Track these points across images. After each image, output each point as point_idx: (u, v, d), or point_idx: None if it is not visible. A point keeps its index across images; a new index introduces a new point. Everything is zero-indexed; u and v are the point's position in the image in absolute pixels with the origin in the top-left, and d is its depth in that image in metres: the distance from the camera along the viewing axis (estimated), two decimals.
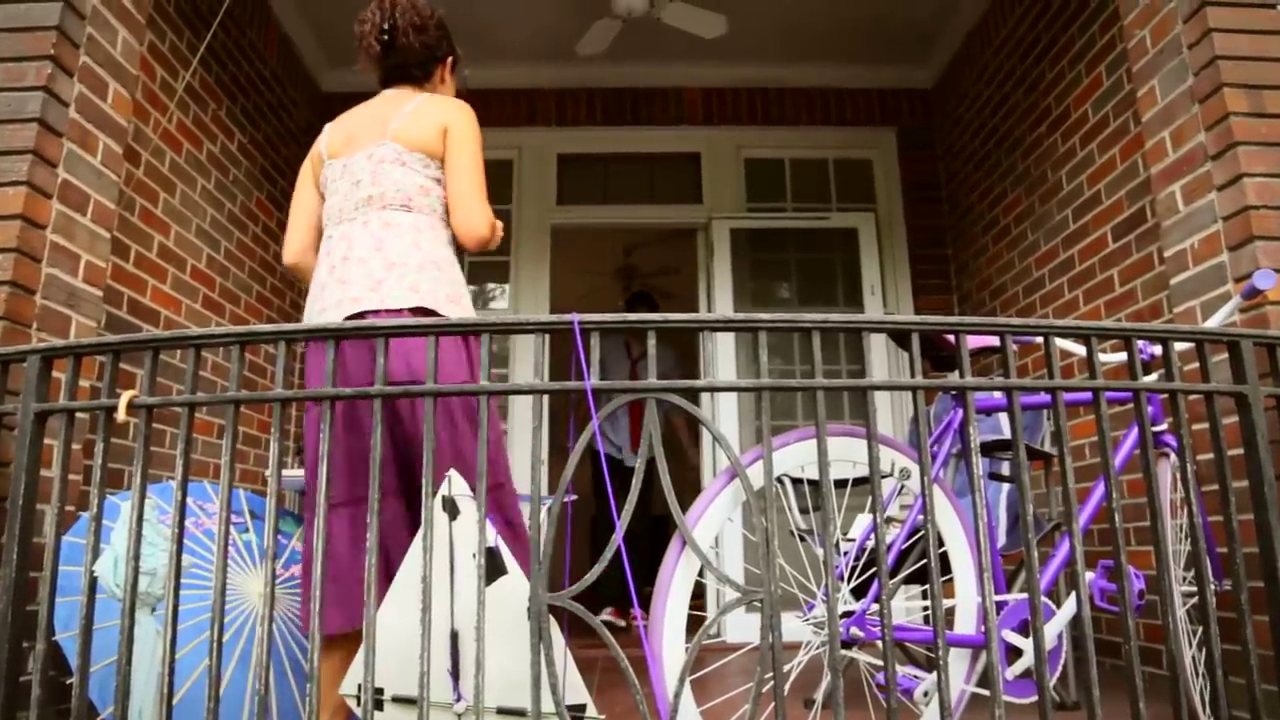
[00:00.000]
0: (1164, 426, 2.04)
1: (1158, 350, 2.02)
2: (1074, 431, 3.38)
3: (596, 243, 6.61)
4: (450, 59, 2.19)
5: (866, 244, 4.68)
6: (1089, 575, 1.83)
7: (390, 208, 1.93)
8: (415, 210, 1.94)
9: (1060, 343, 2.22)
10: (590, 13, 4.02)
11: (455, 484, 1.48)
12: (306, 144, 4.41)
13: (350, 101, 2.17)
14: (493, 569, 1.35)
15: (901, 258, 4.67)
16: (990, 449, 2.44)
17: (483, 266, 4.81)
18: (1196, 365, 2.13)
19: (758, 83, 4.83)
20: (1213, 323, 1.94)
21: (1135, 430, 1.96)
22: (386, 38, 2.04)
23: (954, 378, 2.01)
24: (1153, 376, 2.15)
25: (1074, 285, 3.34)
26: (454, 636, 1.37)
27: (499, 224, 2.00)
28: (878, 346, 4.42)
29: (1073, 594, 1.81)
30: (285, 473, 2.39)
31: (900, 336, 1.60)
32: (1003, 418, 2.90)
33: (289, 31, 4.19)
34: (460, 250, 2.02)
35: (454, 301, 1.90)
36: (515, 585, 1.36)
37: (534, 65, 4.73)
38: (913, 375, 1.51)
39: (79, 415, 1.96)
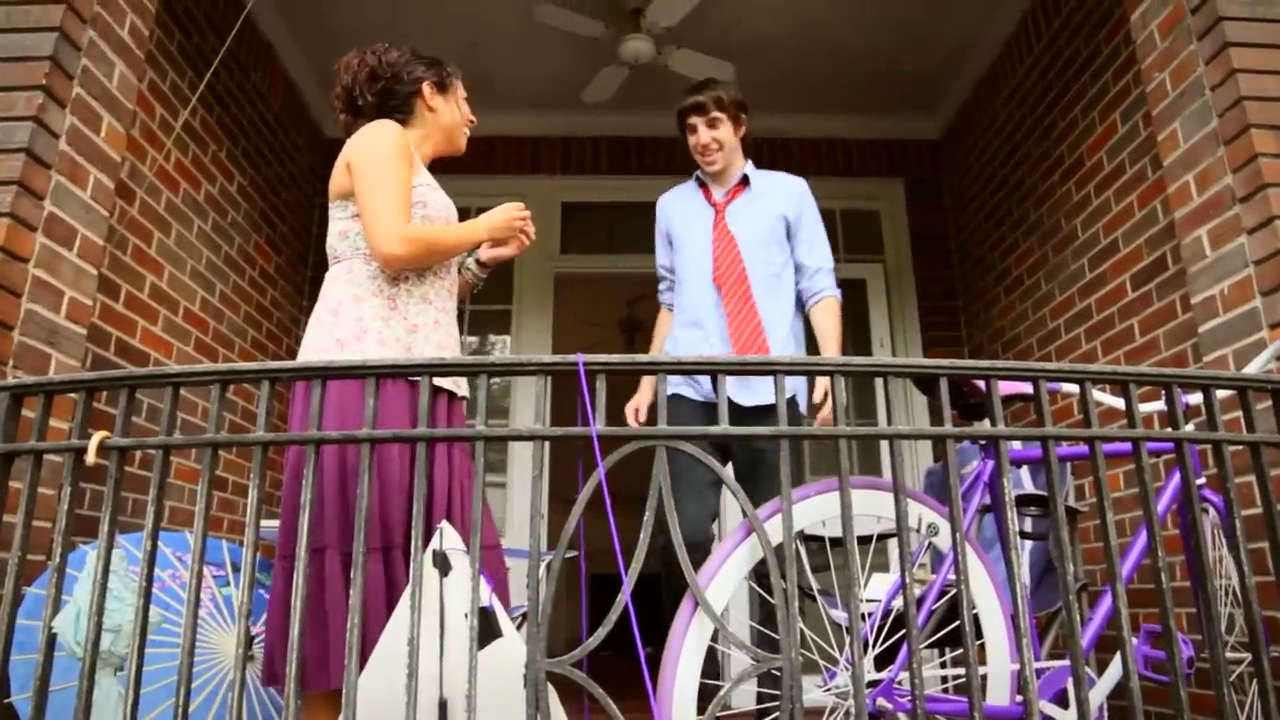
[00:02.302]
0: (1201, 480, 1.93)
1: (1192, 399, 1.93)
2: (1093, 488, 3.26)
3: (600, 294, 6.55)
4: (426, 84, 2.10)
5: (875, 295, 4.61)
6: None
7: (330, 265, 1.99)
8: (337, 259, 1.97)
9: (1069, 386, 2.13)
10: (597, 60, 4.01)
11: (447, 537, 1.37)
12: (308, 188, 4.42)
13: None
14: (486, 631, 1.24)
15: (910, 310, 4.60)
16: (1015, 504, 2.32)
17: (483, 316, 4.74)
18: (1233, 415, 2.04)
19: (764, 132, 4.79)
20: (1250, 370, 1.84)
21: (1172, 484, 1.85)
22: (354, 99, 2.07)
23: (983, 426, 1.91)
24: (1188, 426, 2.05)
25: (1091, 336, 3.25)
26: (443, 706, 1.25)
27: (408, 234, 1.86)
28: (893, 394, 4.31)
29: (1114, 662, 1.68)
30: (270, 523, 2.27)
31: (926, 382, 1.50)
32: (1023, 471, 2.78)
33: (294, 76, 4.17)
34: (400, 278, 1.93)
35: (343, 345, 1.84)
36: (511, 649, 1.24)
37: (539, 113, 4.72)
38: (941, 423, 1.41)
39: (51, 458, 1.86)
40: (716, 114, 2.69)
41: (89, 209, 2.15)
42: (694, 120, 2.72)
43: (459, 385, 2.01)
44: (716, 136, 2.69)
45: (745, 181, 2.74)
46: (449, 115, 2.13)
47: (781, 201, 2.69)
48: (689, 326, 2.64)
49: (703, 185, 2.80)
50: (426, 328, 1.94)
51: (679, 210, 2.81)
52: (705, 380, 2.54)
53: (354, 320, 1.88)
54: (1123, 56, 2.99)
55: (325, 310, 1.91)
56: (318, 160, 4.53)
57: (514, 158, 4.77)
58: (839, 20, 4.01)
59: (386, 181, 1.88)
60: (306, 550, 1.28)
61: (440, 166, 2.19)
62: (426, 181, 2.02)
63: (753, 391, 2.49)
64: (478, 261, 2.21)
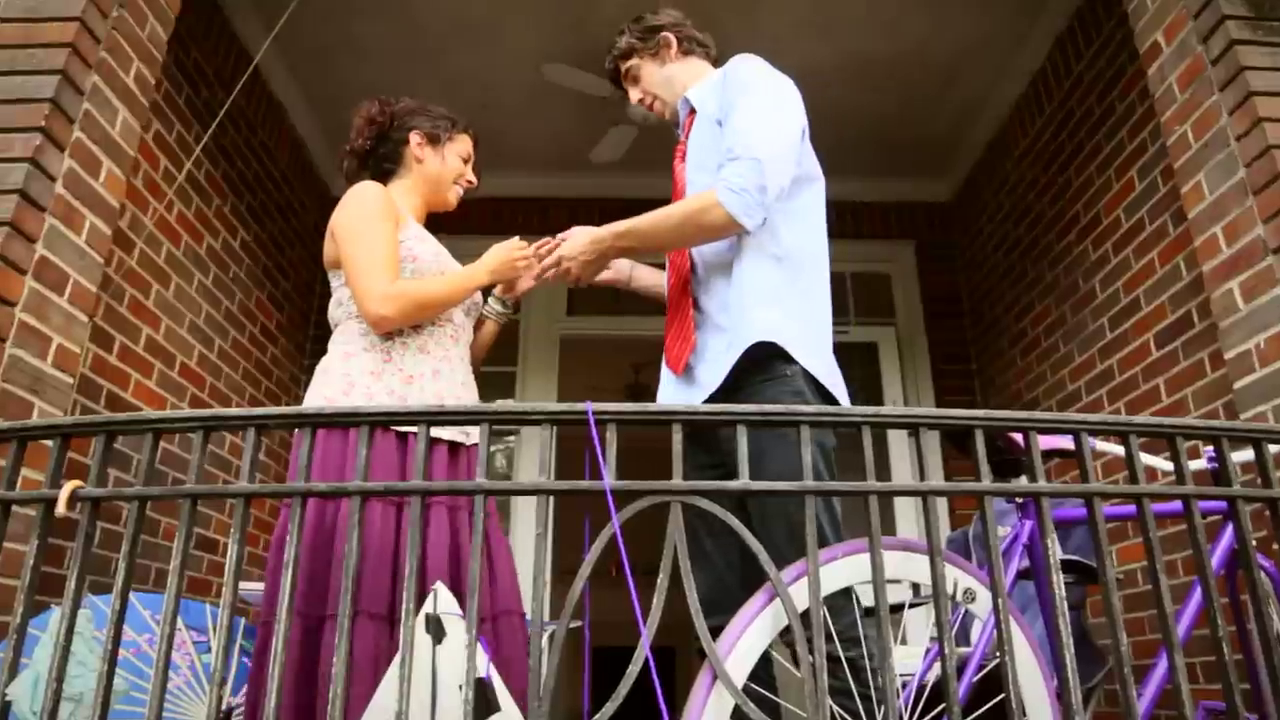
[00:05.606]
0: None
1: (1236, 457, 1.82)
2: (1122, 555, 3.12)
3: (606, 358, 6.49)
4: (415, 133, 2.10)
5: (887, 359, 4.53)
6: None
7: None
8: (335, 326, 1.96)
9: (1102, 445, 2.01)
10: (605, 120, 4.00)
11: (442, 600, 1.25)
12: (312, 245, 4.37)
13: None
14: (482, 706, 1.11)
15: (924, 373, 4.51)
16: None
17: (487, 378, 4.65)
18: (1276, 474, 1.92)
19: None
20: None
21: (1221, 547, 1.74)
22: (354, 144, 2.10)
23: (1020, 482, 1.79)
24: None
25: (1114, 397, 3.15)
26: None
27: (393, 291, 1.81)
28: (898, 451, 4.18)
29: None
30: (250, 585, 2.15)
31: (958, 436, 1.39)
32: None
33: (302, 134, 4.17)
34: (395, 332, 1.89)
35: (331, 403, 1.78)
36: None
37: (547, 174, 4.70)
38: (979, 478, 1.30)
39: (23, 509, 1.75)
40: (629, 65, 2.13)
41: (83, 254, 2.08)
42: (625, 88, 2.20)
43: (468, 434, 1.91)
44: (643, 88, 2.14)
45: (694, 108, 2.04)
46: (435, 167, 2.11)
47: (712, 102, 1.96)
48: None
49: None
50: (423, 378, 1.87)
51: None
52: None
53: (341, 376, 1.83)
54: (1138, 113, 2.96)
55: (319, 372, 1.87)
56: (323, 218, 4.47)
57: (521, 219, 4.74)
58: (847, 84, 4.01)
59: (366, 243, 1.85)
60: (288, 614, 1.17)
61: (447, 228, 2.12)
62: (414, 234, 1.98)
63: (693, 388, 1.83)
64: (500, 300, 2.14)
